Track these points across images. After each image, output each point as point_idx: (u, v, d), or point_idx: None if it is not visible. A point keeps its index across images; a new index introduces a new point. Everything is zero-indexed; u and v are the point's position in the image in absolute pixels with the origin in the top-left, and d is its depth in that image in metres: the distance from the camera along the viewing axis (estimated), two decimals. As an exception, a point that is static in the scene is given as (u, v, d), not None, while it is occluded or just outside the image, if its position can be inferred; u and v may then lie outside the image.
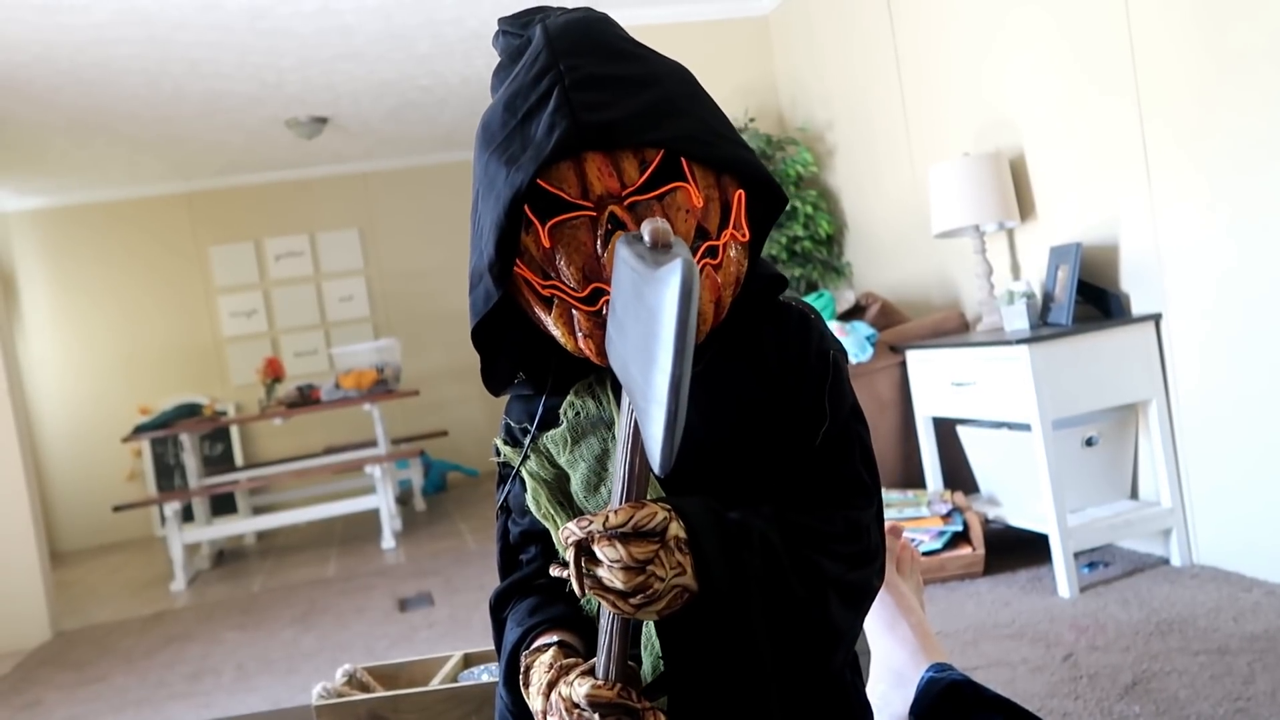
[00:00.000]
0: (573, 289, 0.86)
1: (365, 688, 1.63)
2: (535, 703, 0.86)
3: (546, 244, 0.85)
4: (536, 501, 0.97)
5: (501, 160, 0.86)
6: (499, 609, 1.03)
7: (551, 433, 0.96)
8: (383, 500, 4.99)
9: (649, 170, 0.85)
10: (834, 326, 3.39)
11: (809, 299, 3.69)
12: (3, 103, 4.58)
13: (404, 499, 6.30)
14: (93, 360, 6.65)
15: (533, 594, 1.00)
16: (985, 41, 3.22)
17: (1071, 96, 2.88)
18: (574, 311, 0.86)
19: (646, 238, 0.69)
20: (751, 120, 4.38)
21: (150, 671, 3.28)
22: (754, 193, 0.93)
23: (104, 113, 4.94)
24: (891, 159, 3.92)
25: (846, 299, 3.76)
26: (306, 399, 5.29)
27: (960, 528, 2.94)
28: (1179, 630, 2.26)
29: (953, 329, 3.44)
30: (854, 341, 3.31)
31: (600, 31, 0.89)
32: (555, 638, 0.92)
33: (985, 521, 3.00)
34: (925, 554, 2.88)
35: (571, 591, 0.92)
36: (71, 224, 6.61)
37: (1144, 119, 2.63)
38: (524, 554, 1.03)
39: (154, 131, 5.40)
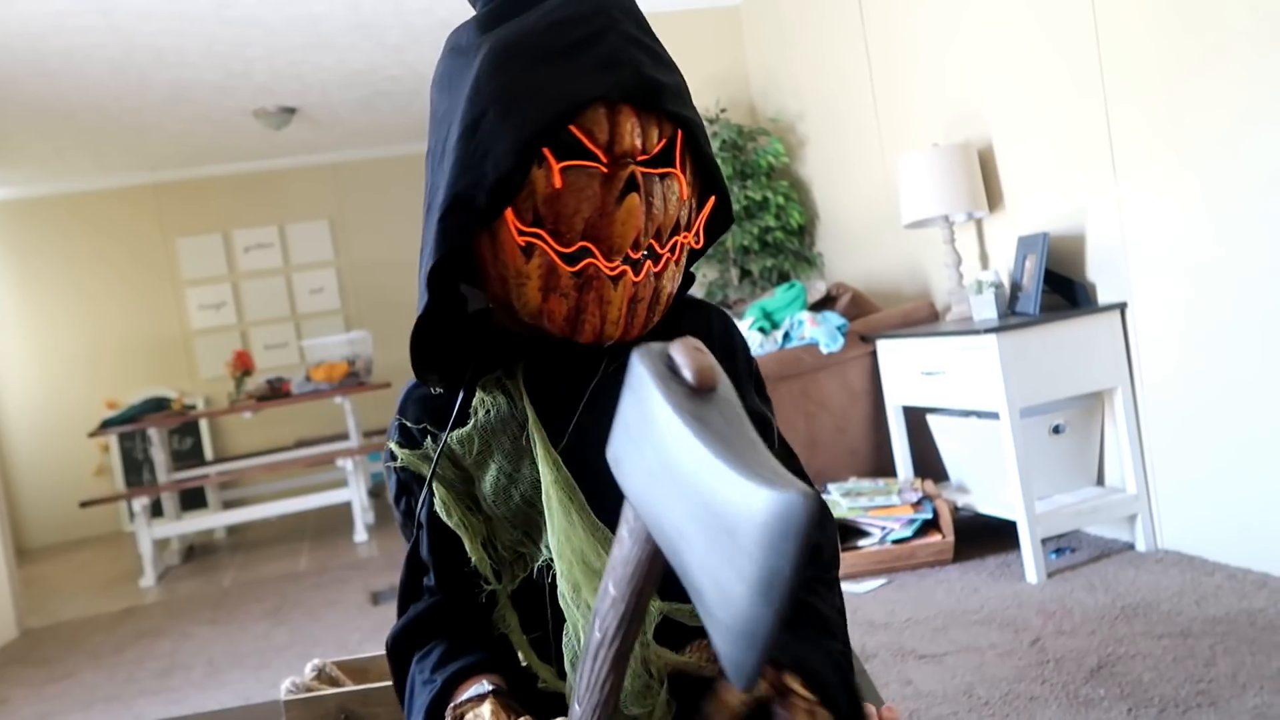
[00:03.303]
0: (559, 244, 0.80)
1: (335, 682, 1.62)
2: None
3: (558, 184, 0.79)
4: (448, 511, 0.89)
5: (536, 79, 0.78)
6: (402, 650, 0.91)
7: (456, 433, 0.88)
8: (355, 493, 4.96)
9: (662, 142, 0.82)
10: (805, 317, 3.41)
11: (782, 289, 3.70)
12: (-38, 92, 4.50)
13: (376, 492, 6.26)
14: (58, 354, 6.55)
15: (439, 635, 0.90)
16: (954, 33, 3.23)
17: (1039, 88, 2.90)
18: (555, 266, 0.80)
19: (689, 375, 0.52)
20: (723, 111, 4.39)
21: (119, 668, 3.25)
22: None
23: (67, 103, 4.86)
24: (862, 150, 3.93)
25: (818, 289, 3.78)
26: (277, 392, 5.24)
27: (930, 515, 2.96)
28: (1143, 614, 2.30)
29: (922, 319, 3.46)
30: (825, 331, 3.33)
31: (635, 3, 0.87)
32: (487, 685, 0.84)
33: (955, 509, 3.03)
34: (895, 542, 2.90)
35: (488, 625, 0.88)
36: (35, 216, 6.50)
37: (1110, 111, 2.65)
38: (427, 577, 0.93)
39: (119, 122, 5.32)
